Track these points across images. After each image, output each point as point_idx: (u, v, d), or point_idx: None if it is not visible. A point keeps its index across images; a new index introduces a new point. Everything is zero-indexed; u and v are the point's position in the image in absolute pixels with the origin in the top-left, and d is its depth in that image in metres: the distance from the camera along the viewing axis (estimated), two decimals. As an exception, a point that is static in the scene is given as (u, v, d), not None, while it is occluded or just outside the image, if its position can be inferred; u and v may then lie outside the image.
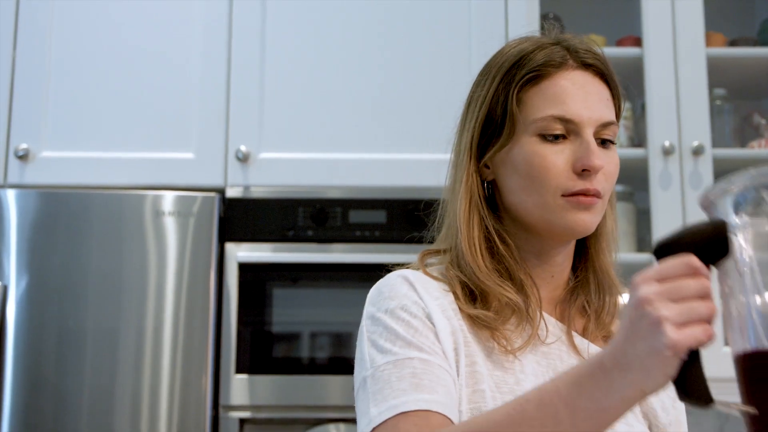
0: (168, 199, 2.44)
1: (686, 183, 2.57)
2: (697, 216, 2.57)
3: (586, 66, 1.22)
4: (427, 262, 1.25)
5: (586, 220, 1.18)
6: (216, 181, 2.53)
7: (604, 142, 1.21)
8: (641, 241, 2.71)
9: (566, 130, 1.19)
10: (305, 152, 2.56)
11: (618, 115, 1.25)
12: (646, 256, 2.59)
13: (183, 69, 2.61)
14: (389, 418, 1.06)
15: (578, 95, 1.19)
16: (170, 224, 2.42)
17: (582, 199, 1.17)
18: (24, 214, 2.42)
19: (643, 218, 2.70)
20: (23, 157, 2.51)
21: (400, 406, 1.07)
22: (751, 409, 0.83)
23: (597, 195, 1.18)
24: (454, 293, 1.20)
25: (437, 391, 1.10)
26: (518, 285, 1.21)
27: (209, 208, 2.44)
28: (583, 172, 1.17)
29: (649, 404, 1.22)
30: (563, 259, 1.25)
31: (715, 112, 2.72)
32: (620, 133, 2.70)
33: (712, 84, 2.69)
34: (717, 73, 2.69)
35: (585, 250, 1.28)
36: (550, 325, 1.22)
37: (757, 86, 2.86)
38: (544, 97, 1.19)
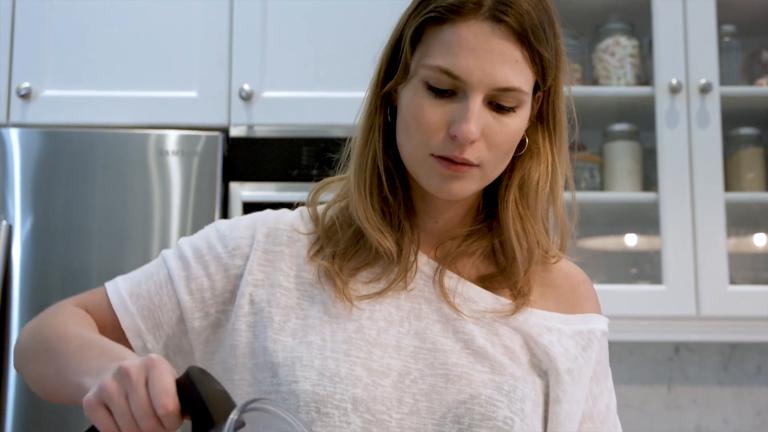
0: (171, 138, 2.43)
1: (693, 121, 2.56)
2: (703, 155, 2.57)
3: (497, 20, 1.07)
4: (321, 197, 1.25)
5: (453, 188, 1.11)
6: (219, 120, 2.51)
7: (501, 108, 1.10)
8: (646, 180, 2.70)
9: (454, 87, 1.08)
10: (309, 91, 2.54)
11: (543, 82, 1.13)
12: (652, 196, 2.58)
13: (186, 7, 2.58)
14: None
15: (476, 51, 1.07)
16: (174, 163, 2.42)
17: (448, 164, 1.10)
18: (27, 153, 2.42)
19: (648, 157, 2.68)
20: (26, 96, 2.50)
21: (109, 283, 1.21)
22: None
23: (467, 164, 1.10)
24: (317, 238, 1.19)
25: (140, 297, 1.18)
26: (398, 229, 1.17)
27: (213, 147, 2.43)
28: (454, 138, 1.08)
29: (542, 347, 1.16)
30: (451, 213, 1.20)
31: (723, 49, 2.69)
32: (627, 71, 2.68)
33: (721, 20, 2.65)
34: (725, 9, 2.65)
35: (496, 200, 1.19)
36: (424, 267, 1.18)
37: (766, 23, 2.83)
38: (439, 44, 1.09)
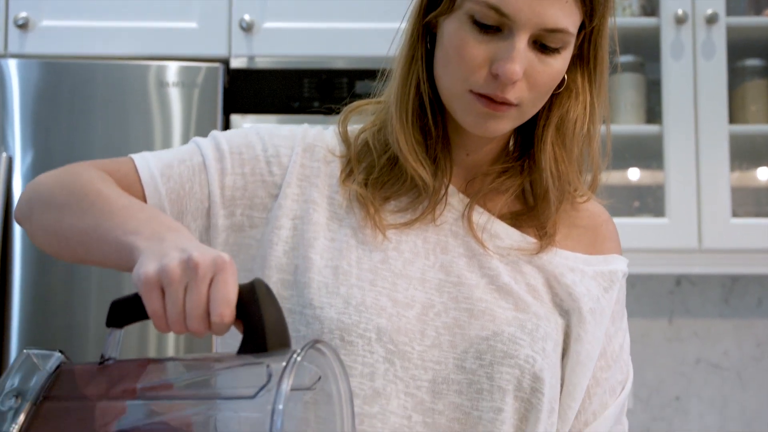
0: (172, 69, 2.41)
1: (699, 53, 2.53)
2: (708, 87, 2.55)
3: None
4: (353, 118, 1.21)
5: (489, 126, 1.10)
6: (220, 51, 2.49)
7: (546, 48, 1.08)
8: (650, 112, 2.68)
9: (500, 23, 1.06)
10: (310, 21, 2.52)
11: (590, 22, 1.10)
12: (656, 128, 2.56)
13: (184, -65, 2.54)
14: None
15: None
16: (174, 95, 2.40)
17: (487, 103, 1.08)
18: (26, 84, 2.40)
19: (653, 89, 2.66)
20: (23, 26, 2.47)
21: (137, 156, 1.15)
22: None
23: (506, 103, 1.08)
24: (348, 161, 1.17)
25: (171, 179, 1.12)
26: (434, 161, 1.15)
27: (213, 78, 2.41)
28: (496, 76, 1.06)
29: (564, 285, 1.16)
30: (485, 148, 1.18)
31: (730, -21, 2.65)
32: (632, 1, 2.64)
33: (728, -51, 2.62)
34: (733, -62, 2.61)
35: (532, 138, 1.18)
36: (453, 201, 1.17)
37: (774, -48, 2.78)
38: None
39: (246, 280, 0.88)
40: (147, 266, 0.86)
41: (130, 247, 0.92)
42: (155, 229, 0.93)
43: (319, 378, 0.86)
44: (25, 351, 0.91)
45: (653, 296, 2.87)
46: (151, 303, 0.85)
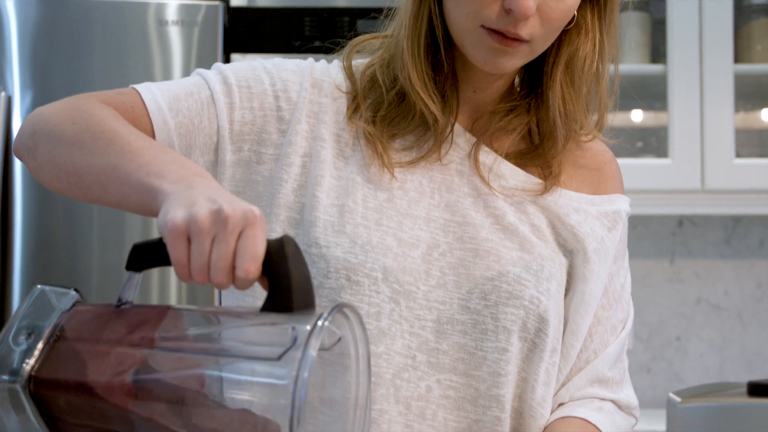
0: (171, 7, 2.39)
1: (705, -9, 2.51)
2: (714, 26, 2.52)
3: None
4: (357, 51, 1.18)
5: (500, 62, 1.08)
6: (220, -11, 2.47)
7: None
8: (655, 52, 2.66)
9: None
10: (311, -41, 2.49)
11: None
12: (660, 68, 2.54)
13: None
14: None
15: None
16: (174, 34, 2.38)
17: (499, 38, 1.06)
18: (24, 22, 2.38)
19: (657, 28, 2.64)
20: (20, -37, 2.45)
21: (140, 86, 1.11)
22: None
23: (518, 39, 1.06)
24: (354, 97, 1.15)
25: (179, 113, 1.08)
26: (442, 98, 1.13)
27: (213, 17, 2.39)
28: (509, 11, 1.05)
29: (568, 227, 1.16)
30: (493, 86, 1.16)
31: None
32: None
33: None
34: None
35: (540, 76, 1.16)
36: (459, 140, 1.16)
37: None
38: None
39: None
40: (174, 213, 0.83)
41: (155, 190, 0.89)
42: (181, 173, 0.90)
43: (339, 339, 0.84)
44: (39, 287, 0.88)
45: (655, 237, 2.87)
46: (175, 251, 0.83)
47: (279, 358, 0.79)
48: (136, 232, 2.34)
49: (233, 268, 0.82)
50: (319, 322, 0.79)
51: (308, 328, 0.79)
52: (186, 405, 0.81)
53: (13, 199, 2.35)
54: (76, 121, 1.00)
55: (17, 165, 2.34)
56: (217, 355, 0.83)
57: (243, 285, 0.82)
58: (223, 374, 0.82)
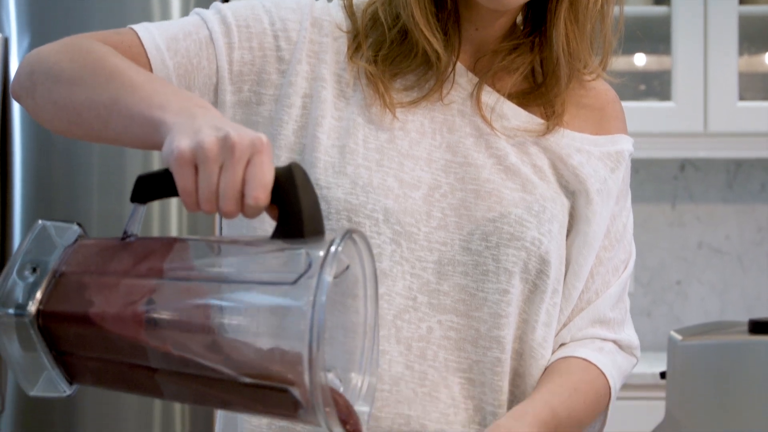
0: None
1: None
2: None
3: None
4: None
5: None
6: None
7: None
8: (659, -6, 2.64)
9: None
10: None
11: None
12: (664, 9, 2.52)
13: None
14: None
15: None
16: (172, -24, 2.36)
17: None
18: (20, -35, 2.36)
19: (662, -31, 2.61)
20: None
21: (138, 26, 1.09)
22: None
23: None
24: (355, 36, 1.13)
25: (178, 53, 1.07)
26: (445, 36, 1.11)
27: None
28: None
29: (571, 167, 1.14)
30: (496, 24, 1.14)
31: None
32: None
33: None
34: None
35: (544, 13, 1.14)
36: (462, 80, 1.14)
37: None
38: None
39: None
40: (180, 142, 0.82)
41: (157, 122, 0.88)
42: (183, 104, 0.89)
43: (347, 267, 0.84)
44: (40, 222, 0.87)
45: (657, 181, 2.87)
46: (183, 180, 0.82)
47: (294, 283, 0.78)
48: (137, 168, 2.32)
49: (242, 196, 0.81)
50: (333, 248, 0.79)
51: (322, 253, 0.78)
52: (199, 334, 0.81)
53: (12, 143, 2.34)
54: (74, 59, 0.99)
55: (16, 108, 2.33)
56: (229, 282, 0.83)
57: (252, 213, 0.82)
58: (237, 302, 0.82)
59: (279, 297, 0.80)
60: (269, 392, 0.79)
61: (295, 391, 0.78)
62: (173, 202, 2.26)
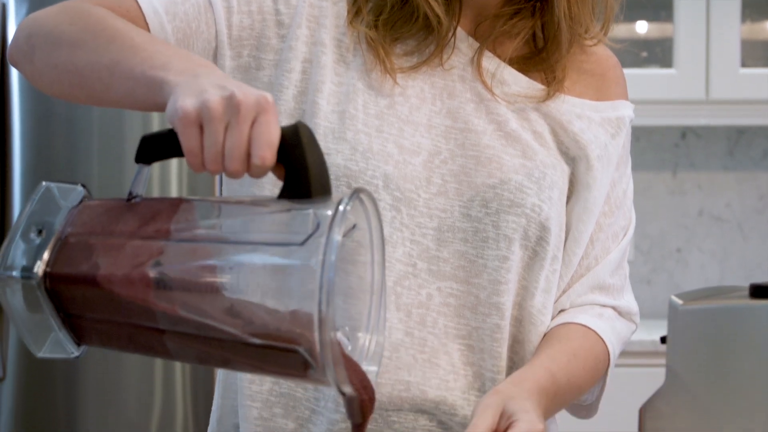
0: None
1: None
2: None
3: None
4: None
5: None
6: None
7: None
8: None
9: None
10: None
11: None
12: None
13: None
14: None
15: None
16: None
17: None
18: (17, -70, 2.34)
19: (664, -66, 2.59)
20: None
21: None
22: None
23: None
24: (355, 1, 1.11)
25: (176, 18, 1.06)
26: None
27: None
28: None
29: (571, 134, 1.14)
30: None
31: None
32: None
33: None
34: None
35: None
36: (462, 45, 1.13)
37: None
38: None
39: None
40: (185, 101, 0.81)
41: (160, 82, 0.87)
42: (186, 64, 0.88)
43: (354, 226, 0.84)
44: (44, 183, 0.87)
45: (658, 149, 2.86)
46: (188, 140, 0.81)
47: (303, 243, 0.78)
48: (136, 135, 2.32)
49: (248, 155, 0.81)
50: (341, 207, 0.78)
51: (330, 212, 0.78)
52: (207, 295, 0.81)
53: (11, 109, 2.33)
54: (74, 21, 0.98)
55: (14, 75, 2.32)
56: (237, 243, 0.82)
57: (258, 173, 0.81)
58: (245, 262, 0.81)
59: (288, 257, 0.79)
60: (278, 353, 0.79)
61: (305, 351, 0.78)
62: (173, 163, 2.26)
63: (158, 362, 2.31)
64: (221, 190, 1.21)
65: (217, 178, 2.30)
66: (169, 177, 2.33)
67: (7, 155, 2.34)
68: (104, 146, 2.33)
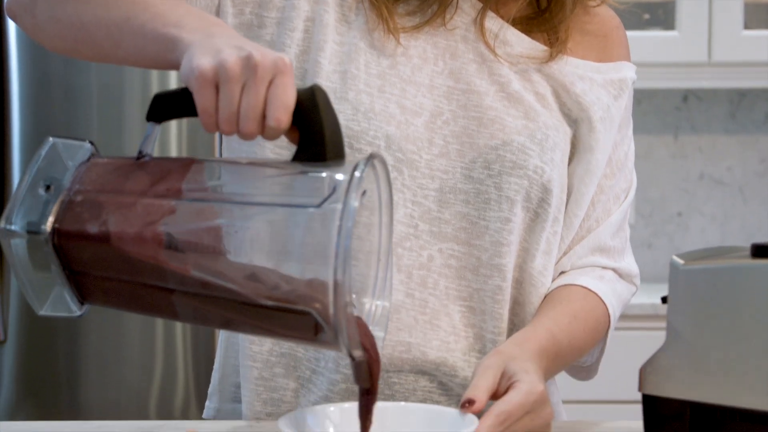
0: None
1: None
2: None
3: None
4: None
5: None
6: None
7: None
8: None
9: None
10: None
11: None
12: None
13: None
14: None
15: None
16: None
17: None
18: None
19: None
20: None
21: None
22: None
23: None
24: None
25: None
26: None
27: None
28: None
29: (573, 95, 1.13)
30: None
31: None
32: None
33: None
34: None
35: None
36: (465, 5, 1.12)
37: None
38: None
39: None
40: (201, 60, 0.81)
41: (174, 40, 0.86)
42: (199, 23, 0.88)
43: (364, 192, 0.83)
44: (51, 139, 0.86)
45: (659, 112, 2.85)
46: (203, 99, 0.81)
47: (319, 206, 0.78)
48: (135, 114, 2.31)
49: (263, 117, 0.80)
50: (357, 173, 0.78)
51: (347, 177, 0.78)
52: (219, 256, 0.80)
53: (9, 75, 2.32)
54: None
55: (11, 39, 2.30)
56: (250, 204, 0.82)
57: (273, 135, 0.81)
58: (259, 224, 0.81)
59: (303, 220, 0.79)
60: (290, 315, 0.79)
61: (318, 315, 0.78)
62: (172, 124, 2.25)
63: (159, 323, 2.31)
64: (221, 151, 1.20)
65: (217, 142, 2.30)
66: (169, 137, 2.32)
67: (6, 119, 2.33)
68: (103, 109, 2.32)
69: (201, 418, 1.18)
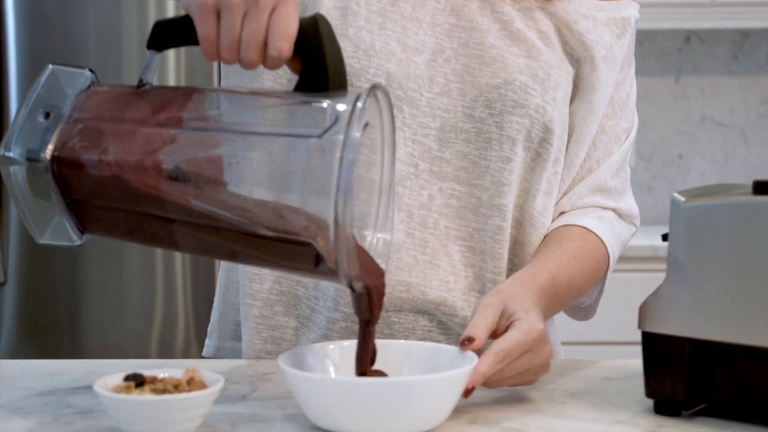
0: None
1: None
2: None
3: None
4: None
5: None
6: None
7: None
8: None
9: None
10: None
11: None
12: None
13: None
14: None
15: None
16: None
17: None
18: None
19: None
20: None
21: None
22: None
23: None
24: None
25: None
26: None
27: None
28: None
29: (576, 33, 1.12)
30: None
31: None
32: None
33: None
34: None
35: None
36: None
37: None
38: None
39: None
40: None
41: None
42: None
43: (366, 124, 0.82)
44: (50, 66, 0.85)
45: (661, 54, 2.83)
46: (204, 26, 0.80)
47: (320, 136, 0.78)
48: (132, 63, 2.30)
49: (265, 45, 0.80)
50: (359, 103, 0.78)
51: (349, 108, 0.78)
52: (221, 185, 0.80)
53: (5, 15, 2.31)
54: None
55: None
56: (253, 133, 0.81)
57: (274, 64, 0.81)
58: (260, 153, 0.81)
59: (305, 150, 0.79)
60: (290, 246, 0.79)
61: (319, 246, 0.77)
62: (170, 54, 2.23)
63: (159, 260, 2.32)
64: (219, 80, 1.19)
65: (216, 72, 2.29)
66: (167, 67, 2.30)
67: (3, 61, 2.32)
68: (100, 56, 2.31)
69: (201, 357, 1.19)
